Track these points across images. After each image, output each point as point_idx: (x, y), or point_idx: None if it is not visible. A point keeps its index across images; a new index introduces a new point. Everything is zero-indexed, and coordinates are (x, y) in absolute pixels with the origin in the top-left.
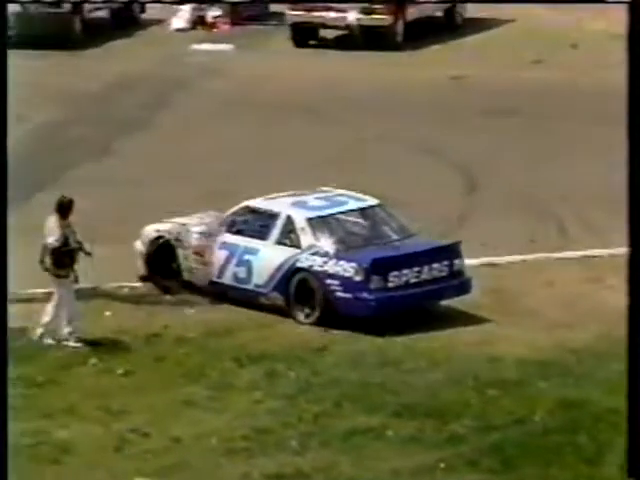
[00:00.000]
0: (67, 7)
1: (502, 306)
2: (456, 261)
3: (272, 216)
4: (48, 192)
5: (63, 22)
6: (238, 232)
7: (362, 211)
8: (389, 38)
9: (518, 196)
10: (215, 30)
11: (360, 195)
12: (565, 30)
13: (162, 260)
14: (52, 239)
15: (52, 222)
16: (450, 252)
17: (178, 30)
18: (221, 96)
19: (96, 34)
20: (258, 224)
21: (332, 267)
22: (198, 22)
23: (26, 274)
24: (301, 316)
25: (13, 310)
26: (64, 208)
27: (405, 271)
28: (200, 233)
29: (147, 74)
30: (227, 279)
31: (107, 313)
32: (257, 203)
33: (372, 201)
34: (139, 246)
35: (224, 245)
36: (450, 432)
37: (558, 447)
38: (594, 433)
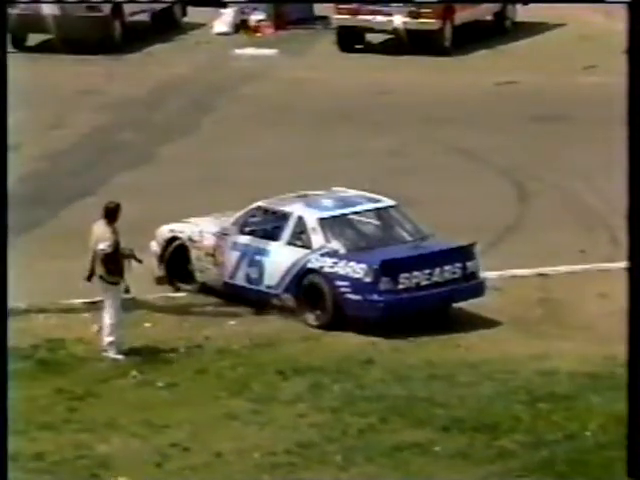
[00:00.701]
0: (107, 11)
1: (554, 318)
2: (469, 263)
3: (284, 216)
4: (95, 197)
5: (103, 26)
6: (250, 232)
7: (376, 212)
8: (437, 42)
9: (569, 205)
10: (258, 34)
11: (375, 196)
12: (617, 35)
13: (176, 261)
14: (104, 245)
15: (101, 228)
16: (463, 254)
17: (220, 34)
18: (265, 102)
19: (137, 38)
20: (270, 224)
21: (342, 268)
22: (241, 26)
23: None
24: (311, 318)
25: (52, 321)
26: (112, 213)
27: (416, 273)
28: (213, 233)
29: (189, 79)
30: (239, 280)
31: (147, 324)
32: (269, 203)
33: (387, 202)
34: (154, 247)
35: (236, 246)
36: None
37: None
38: None
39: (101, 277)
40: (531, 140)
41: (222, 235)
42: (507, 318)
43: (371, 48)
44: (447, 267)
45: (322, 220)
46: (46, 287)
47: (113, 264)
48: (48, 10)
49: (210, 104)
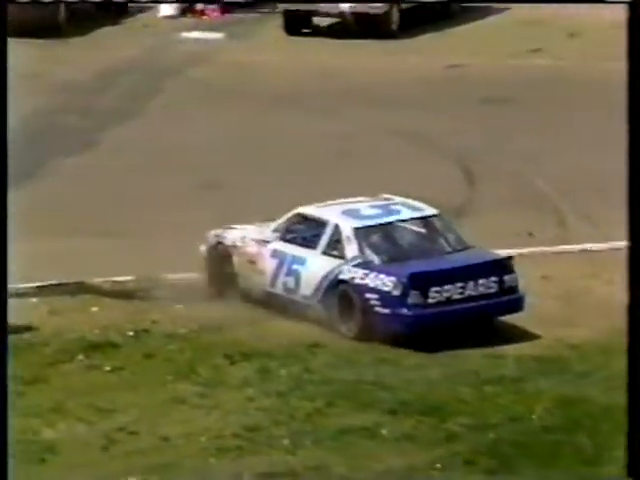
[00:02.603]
0: None
1: None
2: (506, 277)
3: (321, 224)
4: (35, 182)
5: (48, 10)
6: (289, 240)
7: (417, 221)
8: (384, 26)
9: (517, 188)
10: (205, 17)
11: (418, 204)
12: (563, 19)
13: (221, 266)
14: None
15: None
16: (500, 267)
17: (166, 17)
18: (211, 85)
19: (82, 22)
20: (309, 232)
21: (372, 280)
22: (187, 9)
23: None
24: (343, 330)
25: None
26: None
27: (447, 287)
28: (255, 240)
29: (135, 63)
30: (279, 289)
31: (94, 309)
32: (309, 210)
33: (429, 211)
34: (203, 251)
35: (275, 253)
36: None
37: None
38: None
39: None
40: (479, 123)
41: (263, 242)
42: None
43: (318, 32)
44: (482, 281)
45: (357, 230)
46: None
47: None
48: None
49: (156, 88)
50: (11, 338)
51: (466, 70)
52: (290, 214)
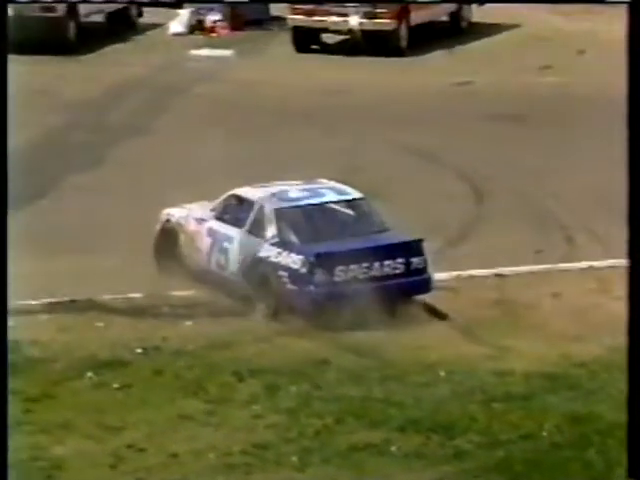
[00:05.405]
0: (62, 11)
1: (509, 318)
2: (414, 259)
3: (250, 205)
4: (47, 199)
5: (58, 26)
6: (223, 220)
7: (341, 204)
8: (392, 43)
9: (525, 206)
10: (214, 35)
11: (345, 188)
12: (573, 36)
13: (167, 243)
14: None
15: None
16: (408, 249)
17: (176, 34)
18: (220, 102)
19: (92, 39)
20: (239, 212)
21: (284, 258)
22: (197, 27)
23: None
24: (261, 306)
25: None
26: None
27: (352, 266)
28: (195, 218)
29: (144, 80)
30: (212, 266)
31: (99, 324)
32: (241, 191)
33: (354, 194)
34: (156, 229)
35: (210, 232)
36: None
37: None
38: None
39: None
40: (487, 140)
41: (202, 221)
42: (463, 318)
43: (327, 49)
44: (388, 262)
45: (278, 210)
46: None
47: None
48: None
49: (165, 105)
50: (20, 355)
51: (475, 87)
52: (226, 195)
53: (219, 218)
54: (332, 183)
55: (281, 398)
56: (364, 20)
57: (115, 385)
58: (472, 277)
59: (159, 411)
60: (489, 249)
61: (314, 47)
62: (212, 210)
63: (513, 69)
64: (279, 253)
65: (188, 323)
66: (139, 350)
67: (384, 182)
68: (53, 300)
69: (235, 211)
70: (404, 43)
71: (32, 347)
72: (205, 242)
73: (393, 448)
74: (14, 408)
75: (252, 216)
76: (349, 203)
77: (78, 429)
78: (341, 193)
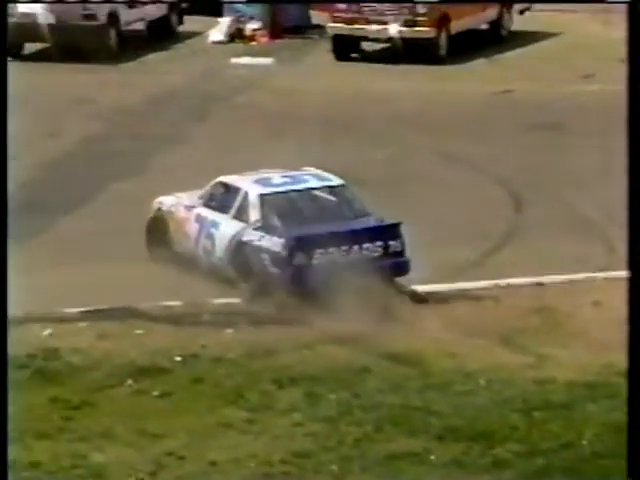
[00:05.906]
0: (103, 19)
1: (550, 327)
2: (392, 242)
3: (235, 191)
4: (89, 207)
5: (99, 35)
6: (211, 206)
7: (323, 190)
8: (432, 51)
9: (566, 214)
10: (254, 43)
11: (327, 175)
12: (614, 44)
13: (159, 231)
14: None
15: None
16: (385, 233)
17: (216, 43)
18: (261, 111)
19: (132, 47)
20: (225, 199)
21: (266, 242)
22: (236, 35)
23: None
24: (244, 289)
25: (49, 330)
26: None
27: (332, 249)
28: (184, 206)
29: (184, 88)
30: (200, 251)
31: (139, 331)
32: (227, 179)
33: (335, 181)
34: (148, 217)
35: (198, 218)
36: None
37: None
38: None
39: None
40: (528, 149)
41: (190, 208)
42: (503, 327)
43: (367, 57)
44: (367, 245)
45: (262, 196)
46: (43, 296)
47: None
48: (44, 19)
49: (205, 113)
50: (60, 362)
51: (516, 96)
52: (213, 182)
53: (206, 205)
54: (315, 170)
55: (321, 406)
56: (404, 28)
57: (155, 393)
58: (512, 286)
59: (199, 419)
60: (531, 257)
61: (354, 55)
62: (200, 197)
63: (554, 78)
64: (262, 237)
65: (228, 331)
66: (178, 358)
67: (427, 189)
68: (92, 308)
69: (222, 198)
70: (444, 51)
71: (72, 354)
72: (193, 228)
73: (432, 457)
74: (55, 415)
75: (237, 202)
76: (331, 189)
77: (118, 437)
78: (323, 180)
